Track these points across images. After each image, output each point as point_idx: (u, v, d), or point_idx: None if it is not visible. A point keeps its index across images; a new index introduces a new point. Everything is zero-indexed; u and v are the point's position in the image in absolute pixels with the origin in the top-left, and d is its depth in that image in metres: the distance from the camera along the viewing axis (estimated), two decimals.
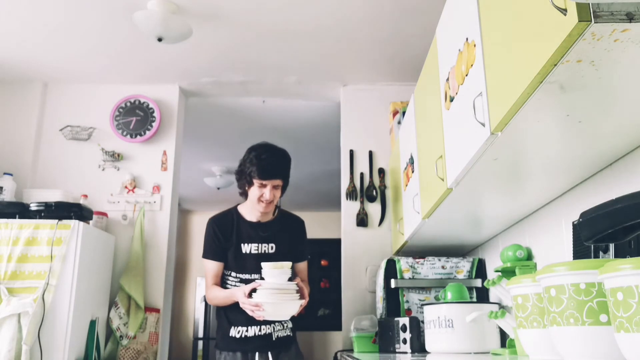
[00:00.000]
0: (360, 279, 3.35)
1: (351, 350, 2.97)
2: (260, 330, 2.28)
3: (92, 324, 3.05)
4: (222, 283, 2.33)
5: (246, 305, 2.07)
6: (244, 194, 2.33)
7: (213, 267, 2.31)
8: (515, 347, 1.76)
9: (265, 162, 2.20)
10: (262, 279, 2.15)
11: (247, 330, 2.27)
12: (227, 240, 2.32)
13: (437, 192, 1.86)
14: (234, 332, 2.28)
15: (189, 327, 7.48)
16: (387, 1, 2.75)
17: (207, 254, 2.33)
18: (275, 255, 2.30)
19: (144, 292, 3.38)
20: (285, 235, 2.38)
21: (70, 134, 3.66)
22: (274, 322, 2.29)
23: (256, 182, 2.22)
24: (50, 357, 2.76)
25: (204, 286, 2.23)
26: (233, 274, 2.31)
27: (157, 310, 3.40)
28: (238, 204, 2.42)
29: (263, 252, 2.31)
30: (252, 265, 2.28)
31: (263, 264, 2.11)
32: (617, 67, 0.94)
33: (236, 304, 2.17)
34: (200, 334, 7.08)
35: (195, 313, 7.32)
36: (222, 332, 2.33)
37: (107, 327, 3.27)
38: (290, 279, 2.14)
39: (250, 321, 2.23)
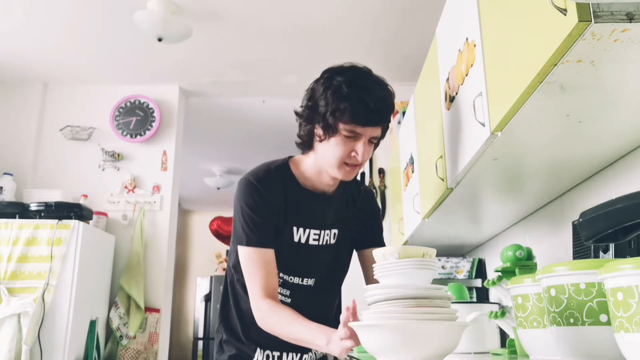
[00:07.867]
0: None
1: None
2: (301, 357, 1.48)
3: (92, 324, 3.05)
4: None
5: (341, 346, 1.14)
6: (308, 145, 1.41)
7: (263, 258, 1.34)
8: (515, 347, 1.76)
9: (369, 95, 1.28)
10: (320, 287, 1.40)
11: (281, 357, 1.46)
12: (278, 214, 1.40)
13: (437, 192, 1.86)
14: (261, 356, 1.45)
15: (189, 327, 7.48)
16: (387, 1, 2.75)
17: (250, 238, 1.34)
18: (335, 247, 1.49)
19: (144, 292, 3.38)
20: (352, 216, 1.53)
21: (70, 134, 3.66)
22: None
23: (346, 129, 1.29)
24: (50, 357, 2.76)
25: (251, 291, 1.34)
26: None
27: (157, 310, 3.41)
28: (290, 157, 1.49)
29: (325, 243, 1.46)
30: (308, 262, 1.45)
31: (376, 253, 1.10)
32: (617, 67, 0.94)
33: None
34: (200, 334, 7.07)
35: (195, 313, 7.31)
36: (233, 350, 1.46)
37: (107, 327, 3.28)
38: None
39: (288, 344, 1.34)
